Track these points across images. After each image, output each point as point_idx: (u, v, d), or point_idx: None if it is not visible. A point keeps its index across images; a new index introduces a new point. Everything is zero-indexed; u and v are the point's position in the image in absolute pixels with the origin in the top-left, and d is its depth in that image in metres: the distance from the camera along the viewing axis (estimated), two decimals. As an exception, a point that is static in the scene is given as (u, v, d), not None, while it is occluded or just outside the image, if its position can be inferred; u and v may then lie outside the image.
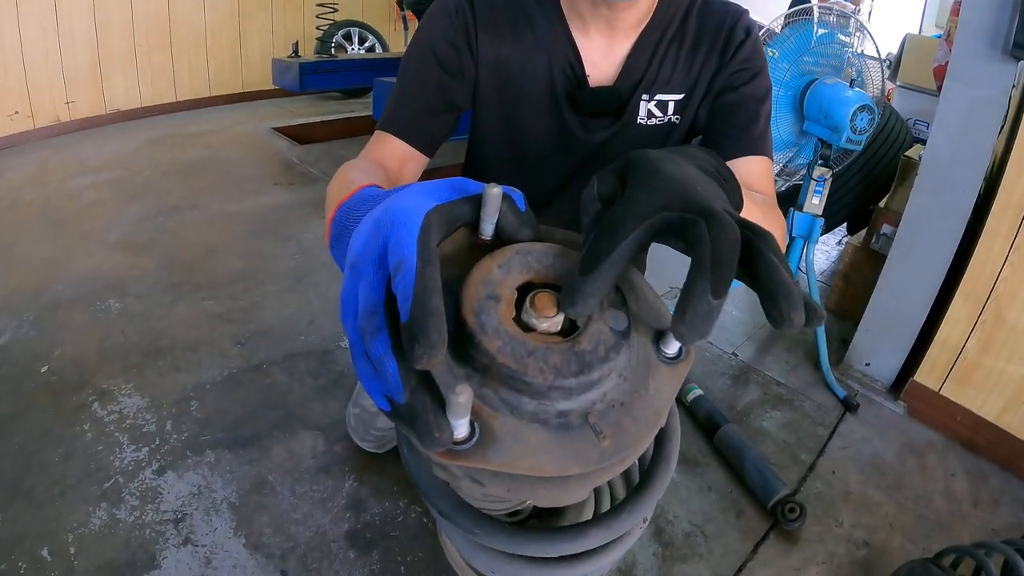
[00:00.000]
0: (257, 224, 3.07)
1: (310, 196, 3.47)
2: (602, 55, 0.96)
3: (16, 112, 4.86)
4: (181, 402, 1.82)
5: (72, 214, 3.22)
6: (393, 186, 0.55)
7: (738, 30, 0.96)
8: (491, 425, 0.35)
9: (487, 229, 0.42)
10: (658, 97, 0.98)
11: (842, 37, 2.22)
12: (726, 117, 0.96)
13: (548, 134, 1.01)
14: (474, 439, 0.34)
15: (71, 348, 2.06)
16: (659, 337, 0.41)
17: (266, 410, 1.79)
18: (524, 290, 0.39)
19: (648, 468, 0.48)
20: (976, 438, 1.92)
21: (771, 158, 0.97)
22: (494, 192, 0.40)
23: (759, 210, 0.76)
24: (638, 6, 0.91)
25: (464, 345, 0.37)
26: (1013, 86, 1.81)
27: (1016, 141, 1.75)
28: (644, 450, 0.41)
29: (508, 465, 0.34)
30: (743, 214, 0.47)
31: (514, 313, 0.38)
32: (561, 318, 0.38)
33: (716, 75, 0.97)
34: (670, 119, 1.00)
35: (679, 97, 0.99)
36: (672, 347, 0.40)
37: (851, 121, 2.00)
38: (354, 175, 0.70)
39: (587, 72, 0.96)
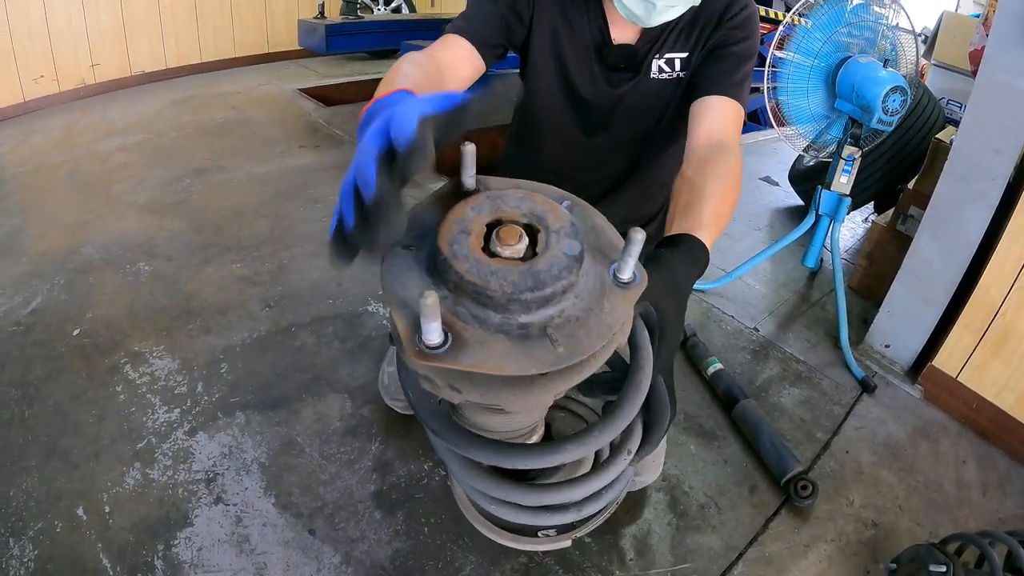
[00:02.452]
0: (284, 186, 3.10)
1: (336, 158, 3.48)
2: (625, 24, 1.20)
3: (41, 76, 4.89)
4: (211, 364, 1.87)
5: (100, 177, 3.26)
6: (436, 89, 0.83)
7: (736, 5, 1.19)
8: (462, 335, 0.43)
9: (468, 182, 0.53)
10: (667, 55, 1.22)
11: (877, 9, 2.18)
12: (713, 63, 1.18)
13: (581, 79, 1.28)
14: (447, 345, 0.42)
15: (102, 311, 2.11)
16: (615, 265, 0.49)
17: (295, 373, 1.83)
18: (493, 226, 0.47)
19: (620, 394, 0.54)
20: (990, 426, 1.93)
21: (743, 108, 1.15)
22: (469, 149, 0.52)
23: (715, 198, 0.89)
24: None
25: (440, 271, 0.45)
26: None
27: None
28: (599, 363, 0.48)
29: (475, 366, 0.42)
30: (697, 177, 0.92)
31: (483, 244, 0.46)
32: (523, 246, 0.46)
33: (712, 34, 1.20)
34: (677, 74, 1.24)
35: (684, 55, 1.22)
36: (626, 273, 0.48)
37: (883, 102, 2.00)
38: (404, 71, 0.90)
39: (612, 36, 1.23)
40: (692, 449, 1.75)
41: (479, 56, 1.16)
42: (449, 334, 0.42)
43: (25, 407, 1.71)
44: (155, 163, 3.41)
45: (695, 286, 2.34)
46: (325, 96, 4.77)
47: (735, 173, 0.96)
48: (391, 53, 5.87)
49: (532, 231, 0.47)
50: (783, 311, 2.46)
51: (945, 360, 2.00)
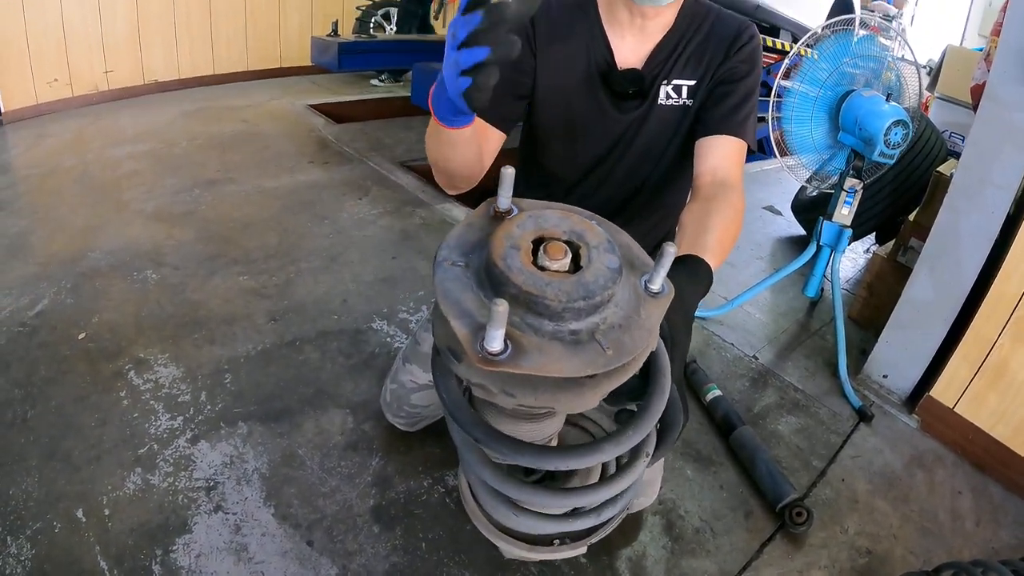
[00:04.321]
0: (292, 201, 3.13)
1: (346, 176, 3.53)
2: (632, 51, 1.21)
3: (55, 79, 4.94)
4: (215, 374, 1.89)
5: (110, 183, 3.30)
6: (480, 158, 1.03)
7: (743, 35, 1.20)
8: (520, 342, 0.45)
9: (503, 203, 0.56)
10: (675, 82, 1.22)
11: (883, 40, 2.23)
12: (718, 100, 1.19)
13: (589, 111, 1.26)
14: (507, 352, 0.44)
15: (108, 316, 2.14)
16: (645, 277, 0.53)
17: (298, 386, 1.85)
18: (538, 243, 0.51)
19: (647, 396, 0.57)
20: (985, 457, 1.95)
21: (747, 143, 1.17)
22: (508, 172, 0.55)
23: (719, 228, 0.93)
24: (664, 14, 1.17)
25: (496, 284, 0.48)
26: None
27: None
28: (639, 366, 0.53)
29: (537, 369, 0.44)
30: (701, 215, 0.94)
31: (532, 259, 0.49)
32: (568, 260, 0.50)
33: (719, 67, 1.20)
34: (684, 102, 1.24)
35: (692, 83, 1.22)
36: (656, 284, 0.52)
37: (885, 135, 2.03)
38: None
39: (618, 62, 1.22)
40: (689, 474, 1.76)
41: (498, 130, 1.17)
42: (508, 342, 0.45)
43: (28, 408, 1.73)
44: (165, 172, 3.45)
45: (697, 314, 2.34)
46: (335, 113, 4.83)
47: (737, 210, 1.01)
48: (402, 73, 5.98)
49: (574, 247, 0.51)
50: (783, 340, 2.48)
51: (942, 391, 2.02)
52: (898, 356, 2.18)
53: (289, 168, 3.60)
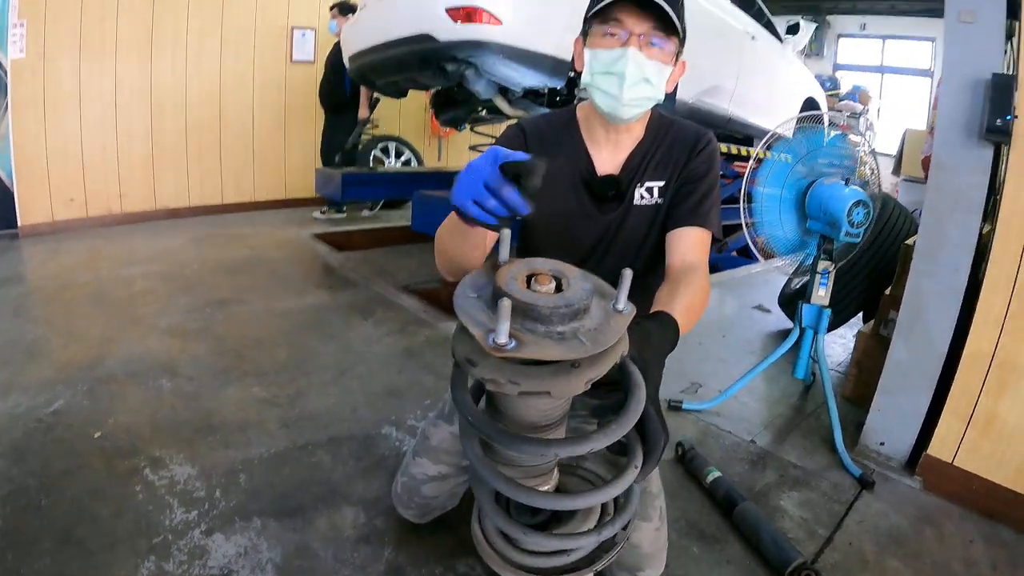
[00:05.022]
0: (301, 321, 3.27)
1: (351, 299, 3.69)
2: (608, 160, 1.41)
3: (72, 199, 5.22)
4: (230, 474, 1.95)
5: (124, 299, 3.44)
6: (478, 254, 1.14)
7: (701, 141, 1.40)
8: (521, 338, 0.63)
9: (504, 256, 0.78)
10: (647, 184, 1.40)
11: (853, 138, 2.46)
12: (684, 197, 1.37)
13: (575, 213, 1.43)
14: (512, 344, 0.62)
15: (124, 418, 2.21)
16: (612, 300, 0.72)
17: (311, 486, 1.91)
18: (530, 277, 0.71)
19: (626, 399, 0.75)
20: (993, 504, 1.98)
21: (712, 230, 1.36)
22: (506, 233, 0.79)
23: (686, 298, 1.12)
24: (633, 129, 1.39)
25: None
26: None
27: (998, 222, 1.95)
28: (613, 360, 0.71)
29: (535, 354, 0.63)
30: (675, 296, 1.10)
31: (527, 285, 0.69)
32: (553, 286, 0.70)
33: (683, 168, 1.39)
34: (656, 201, 1.41)
35: (661, 184, 1.40)
36: (620, 304, 0.71)
37: (848, 216, 2.21)
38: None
39: (597, 170, 1.41)
40: (695, 552, 1.78)
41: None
42: (512, 338, 0.62)
43: (42, 496, 1.77)
44: (178, 292, 3.60)
45: (692, 407, 2.51)
46: (338, 242, 5.07)
47: (703, 287, 1.20)
48: (402, 203, 6.33)
49: (557, 278, 0.71)
50: (779, 424, 2.55)
51: (939, 447, 2.08)
52: (891, 422, 2.25)
53: (296, 291, 3.77)
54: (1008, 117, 1.91)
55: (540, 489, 0.81)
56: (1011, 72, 1.99)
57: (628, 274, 0.71)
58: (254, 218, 5.23)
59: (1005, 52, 2.04)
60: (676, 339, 0.99)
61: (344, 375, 2.64)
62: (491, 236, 1.26)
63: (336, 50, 5.55)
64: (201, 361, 2.71)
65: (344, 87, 5.65)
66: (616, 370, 0.74)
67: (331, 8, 5.60)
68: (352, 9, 5.40)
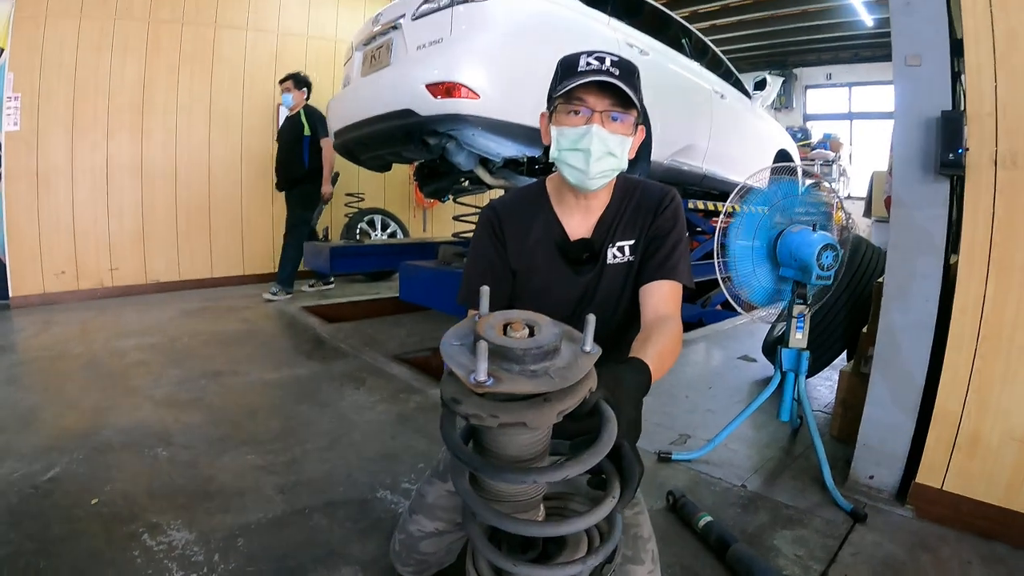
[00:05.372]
0: (294, 391, 3.32)
1: (343, 369, 3.74)
2: (580, 225, 1.51)
3: (63, 272, 5.31)
4: (228, 538, 1.97)
5: (118, 370, 3.48)
6: None
7: (666, 199, 1.49)
8: (499, 376, 0.72)
9: (484, 310, 0.85)
10: (618, 244, 1.49)
11: (826, 186, 2.55)
12: (653, 253, 1.46)
13: (553, 279, 1.52)
14: (491, 382, 0.71)
15: (121, 486, 2.23)
16: (580, 344, 0.81)
17: (309, 548, 1.93)
18: (506, 326, 0.79)
19: (599, 434, 0.84)
20: (987, 524, 2.00)
21: (681, 283, 1.45)
22: (485, 290, 0.85)
23: (658, 344, 1.22)
24: (601, 195, 1.49)
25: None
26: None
27: (961, 250, 2.04)
28: (582, 394, 0.78)
29: (510, 389, 0.72)
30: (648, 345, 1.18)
31: (503, 332, 0.78)
32: (526, 333, 0.79)
33: (651, 226, 1.48)
34: (628, 259, 1.49)
35: (632, 242, 1.49)
36: (587, 346, 0.80)
37: (818, 260, 2.30)
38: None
39: (570, 236, 1.51)
40: None
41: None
42: (491, 377, 0.72)
43: (41, 559, 1.80)
44: (171, 364, 3.65)
45: (682, 457, 2.57)
46: (328, 315, 5.14)
47: (675, 333, 1.29)
48: (389, 274, 6.47)
49: (530, 325, 0.80)
50: (769, 467, 2.57)
51: (927, 474, 2.11)
52: (878, 455, 2.28)
53: (288, 362, 3.82)
54: (960, 151, 2.03)
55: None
56: (960, 108, 2.11)
57: (592, 319, 0.81)
58: (244, 291, 5.31)
59: (956, 90, 2.14)
60: (648, 381, 1.07)
61: (338, 442, 2.68)
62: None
63: (291, 124, 5.61)
64: (196, 430, 2.74)
65: (303, 161, 5.57)
66: (589, 408, 0.84)
67: (282, 81, 5.64)
68: (306, 83, 5.64)
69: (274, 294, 5.61)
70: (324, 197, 5.74)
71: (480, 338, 0.75)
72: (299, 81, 5.60)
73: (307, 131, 5.54)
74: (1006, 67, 1.96)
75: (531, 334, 0.79)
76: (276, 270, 5.76)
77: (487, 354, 0.71)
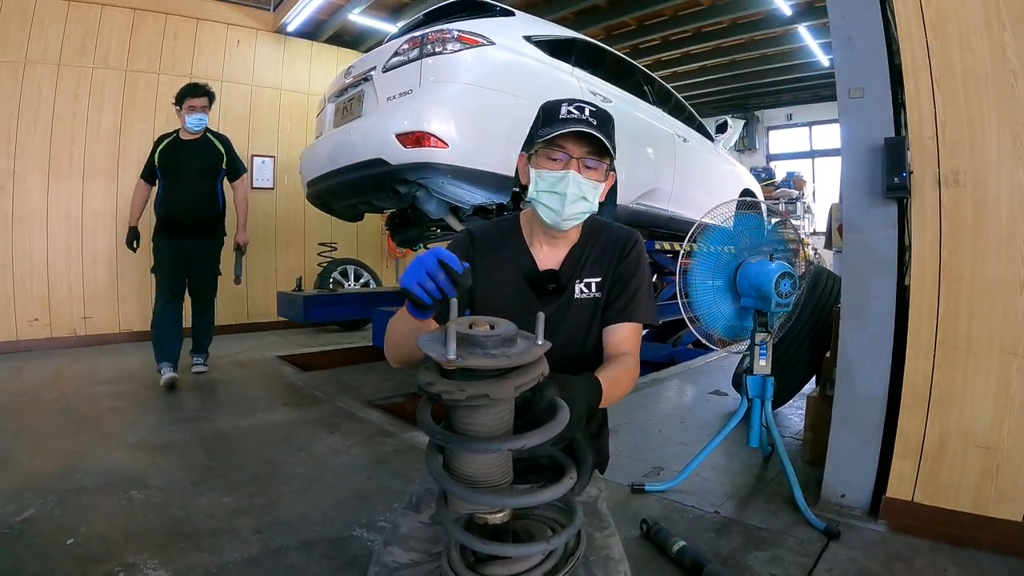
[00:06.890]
0: (269, 437, 3.34)
1: (317, 415, 3.77)
2: (548, 258, 1.57)
3: (35, 319, 5.30)
4: None
5: (91, 416, 3.50)
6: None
7: (629, 243, 1.57)
8: (465, 356, 0.89)
9: (453, 316, 1.01)
10: (585, 279, 1.55)
11: (794, 223, 2.65)
12: (616, 296, 1.53)
13: (519, 306, 1.54)
14: (458, 359, 0.87)
15: (96, 527, 2.25)
16: (533, 338, 0.97)
17: (287, 584, 1.98)
18: (471, 325, 0.94)
19: (551, 419, 0.97)
20: (959, 532, 2.07)
21: (646, 320, 1.54)
22: (454, 301, 1.04)
23: (613, 372, 1.36)
24: (570, 234, 1.55)
25: (448, 340, 0.88)
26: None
27: (912, 267, 2.14)
28: (536, 373, 0.94)
29: (473, 364, 0.88)
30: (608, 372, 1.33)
31: (468, 329, 0.93)
32: (488, 327, 0.94)
33: (616, 267, 1.55)
34: (595, 295, 1.55)
35: (598, 279, 1.55)
36: (539, 339, 0.96)
37: (776, 287, 2.40)
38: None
39: (539, 264, 1.57)
40: None
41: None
42: (459, 356, 0.88)
43: (18, 599, 1.81)
44: (144, 410, 3.67)
45: (655, 488, 2.63)
46: (302, 363, 5.18)
47: (631, 367, 1.42)
48: (362, 324, 6.53)
49: (491, 324, 0.96)
50: (742, 493, 2.62)
51: (897, 488, 2.16)
52: (847, 473, 2.34)
53: (263, 409, 3.85)
54: (904, 174, 2.15)
55: (494, 514, 0.99)
56: (903, 134, 2.23)
57: (542, 316, 0.98)
58: (217, 341, 5.29)
59: (900, 117, 2.27)
60: (598, 392, 1.19)
61: (314, 483, 2.71)
62: (433, 326, 1.44)
63: (199, 151, 4.47)
64: (171, 474, 2.76)
65: (217, 201, 4.57)
66: (545, 404, 0.99)
67: (192, 95, 4.36)
68: (187, 95, 4.38)
69: (203, 364, 4.74)
70: (242, 246, 4.75)
71: (449, 335, 0.88)
72: (213, 98, 4.49)
73: (225, 163, 4.54)
74: (944, 91, 2.09)
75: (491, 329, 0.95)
76: (249, 320, 5.70)
77: (456, 338, 0.88)
